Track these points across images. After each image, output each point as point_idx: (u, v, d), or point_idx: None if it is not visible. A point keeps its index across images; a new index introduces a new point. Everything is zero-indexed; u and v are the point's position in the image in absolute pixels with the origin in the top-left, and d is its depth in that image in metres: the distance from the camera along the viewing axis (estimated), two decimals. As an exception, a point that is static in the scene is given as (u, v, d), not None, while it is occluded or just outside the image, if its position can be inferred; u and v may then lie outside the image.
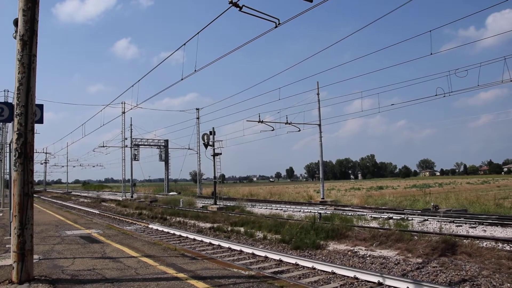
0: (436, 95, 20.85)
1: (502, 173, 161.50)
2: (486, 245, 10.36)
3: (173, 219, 20.70)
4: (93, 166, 79.89)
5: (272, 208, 25.26)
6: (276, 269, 8.75)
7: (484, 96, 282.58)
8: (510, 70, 17.74)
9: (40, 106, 7.26)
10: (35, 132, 5.70)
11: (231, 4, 8.14)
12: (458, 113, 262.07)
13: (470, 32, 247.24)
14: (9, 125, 20.95)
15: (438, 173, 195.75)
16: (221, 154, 26.80)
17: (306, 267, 8.77)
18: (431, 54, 18.04)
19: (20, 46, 5.41)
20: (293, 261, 9.22)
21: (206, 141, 26.34)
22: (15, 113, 5.43)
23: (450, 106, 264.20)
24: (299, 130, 31.39)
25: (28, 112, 5.39)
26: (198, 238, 13.36)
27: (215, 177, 26.93)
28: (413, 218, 16.69)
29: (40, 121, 7.28)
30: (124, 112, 45.51)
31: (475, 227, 14.19)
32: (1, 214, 18.17)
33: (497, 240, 11.05)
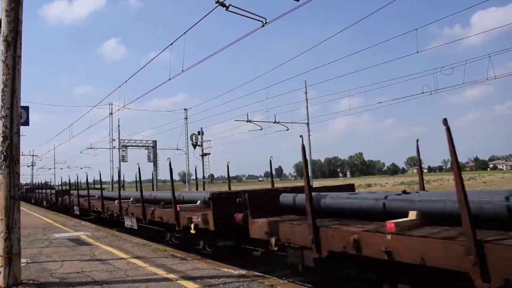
0: (422, 92, 21.21)
1: (488, 169, 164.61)
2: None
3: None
4: (81, 168, 79.09)
5: (262, 207, 25.27)
6: (266, 268, 8.77)
7: (469, 94, 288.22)
8: (495, 68, 18.16)
9: (26, 108, 7.20)
10: (21, 134, 5.64)
11: (217, 4, 8.17)
12: (445, 110, 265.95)
13: (455, 30, 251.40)
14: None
15: (425, 170, 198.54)
16: (209, 154, 26.83)
17: (296, 265, 8.79)
18: (417, 52, 18.34)
19: (4, 47, 5.35)
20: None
21: (194, 141, 26.34)
22: (0, 115, 5.37)
23: (437, 104, 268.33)
24: (288, 129, 31.59)
25: (13, 114, 5.33)
26: (188, 238, 13.30)
27: (203, 177, 26.91)
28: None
29: (26, 123, 7.23)
30: (111, 113, 45.05)
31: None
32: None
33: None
